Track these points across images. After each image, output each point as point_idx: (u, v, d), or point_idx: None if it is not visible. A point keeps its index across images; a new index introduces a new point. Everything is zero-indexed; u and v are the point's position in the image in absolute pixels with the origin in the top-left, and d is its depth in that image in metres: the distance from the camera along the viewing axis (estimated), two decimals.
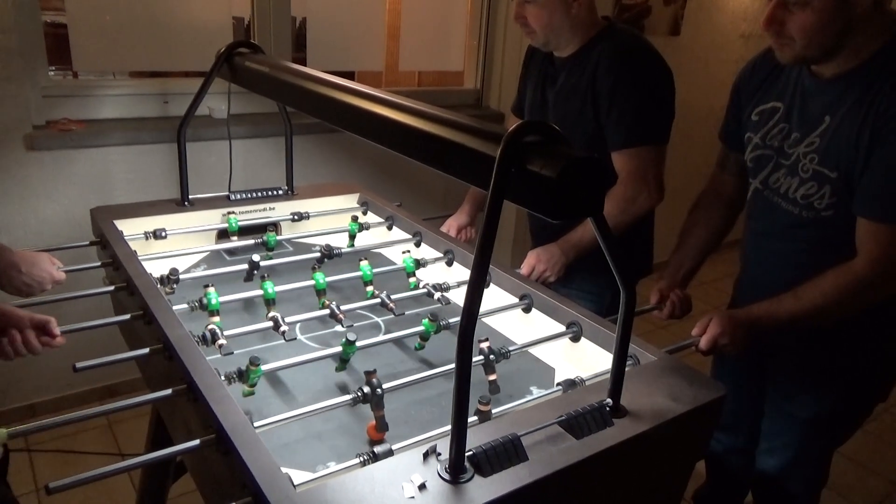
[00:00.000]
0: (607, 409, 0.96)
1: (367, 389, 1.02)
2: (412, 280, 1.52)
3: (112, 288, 1.40)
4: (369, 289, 1.47)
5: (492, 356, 1.16)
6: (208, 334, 1.16)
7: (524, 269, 1.63)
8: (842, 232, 1.29)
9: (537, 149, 0.79)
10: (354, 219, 1.80)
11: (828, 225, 1.32)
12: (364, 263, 1.49)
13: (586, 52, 1.67)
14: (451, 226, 1.95)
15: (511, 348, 1.23)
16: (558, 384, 1.12)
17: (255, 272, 1.48)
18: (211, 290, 1.29)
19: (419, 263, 1.56)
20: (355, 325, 1.40)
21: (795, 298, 1.29)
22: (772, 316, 1.31)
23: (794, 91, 1.38)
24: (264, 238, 1.67)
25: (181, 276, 1.43)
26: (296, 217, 1.81)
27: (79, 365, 1.07)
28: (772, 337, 1.36)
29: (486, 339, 1.19)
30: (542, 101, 1.80)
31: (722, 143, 1.60)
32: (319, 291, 1.40)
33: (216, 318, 1.27)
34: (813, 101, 1.33)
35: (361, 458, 0.90)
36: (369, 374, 1.05)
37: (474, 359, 1.09)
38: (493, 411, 1.03)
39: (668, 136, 1.66)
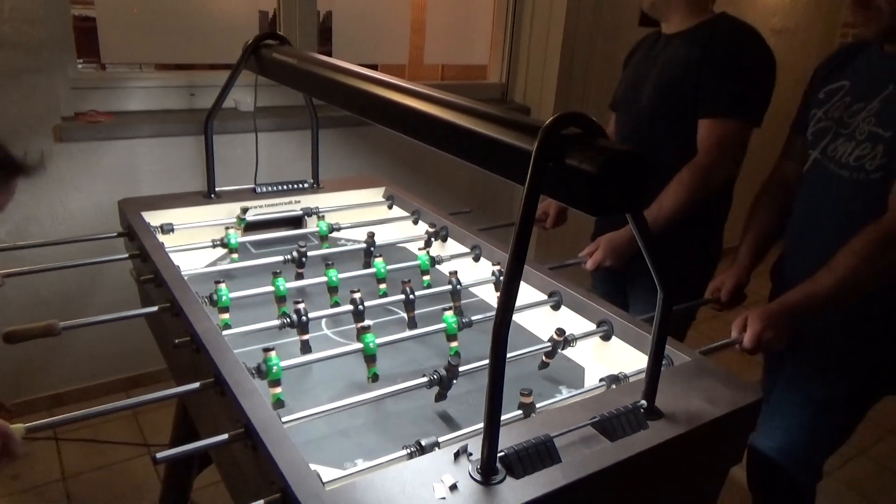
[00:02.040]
0: (642, 410, 0.94)
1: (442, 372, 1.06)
2: (426, 278, 1.51)
3: (140, 279, 1.40)
4: (382, 286, 1.46)
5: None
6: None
7: (589, 265, 1.62)
8: (885, 195, 1.28)
9: (576, 142, 0.76)
10: (321, 217, 1.77)
11: (874, 190, 1.30)
12: (378, 260, 1.48)
13: (699, 30, 1.69)
14: (549, 208, 1.95)
15: (537, 347, 1.21)
16: (601, 380, 1.11)
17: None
18: (222, 286, 1.27)
19: (434, 261, 1.55)
20: (381, 320, 1.39)
21: (829, 270, 1.28)
22: (810, 296, 1.29)
23: (863, 69, 1.40)
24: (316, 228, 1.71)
25: (202, 270, 1.43)
26: (311, 211, 1.80)
27: (178, 341, 1.10)
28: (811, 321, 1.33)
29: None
30: (643, 75, 1.79)
31: (790, 131, 1.61)
32: (332, 288, 1.40)
33: (225, 315, 1.26)
34: (878, 74, 1.35)
35: (409, 451, 0.89)
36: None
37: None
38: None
39: (759, 119, 1.66)
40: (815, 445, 1.54)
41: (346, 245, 1.70)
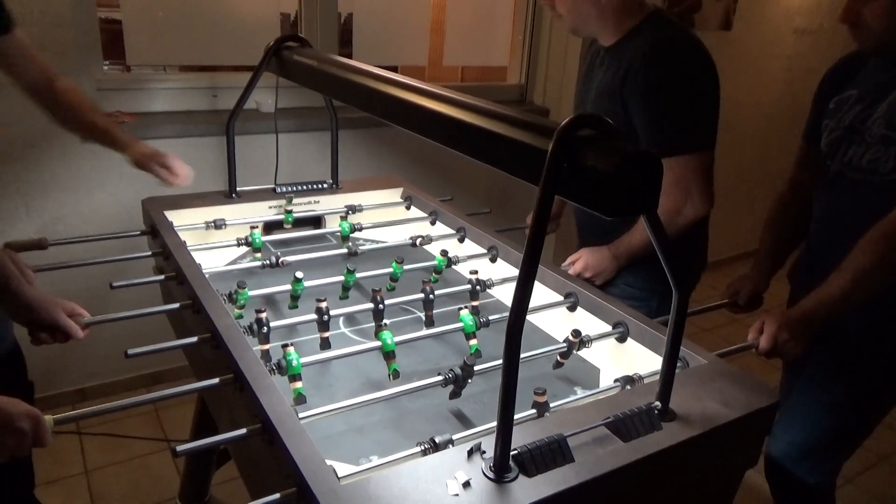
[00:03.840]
0: (656, 412, 0.94)
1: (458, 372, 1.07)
2: (433, 276, 1.53)
3: (162, 277, 1.42)
4: (391, 283, 1.49)
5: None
6: (255, 324, 1.18)
7: (572, 271, 1.60)
8: None
9: (591, 143, 0.77)
10: (344, 217, 1.79)
11: (890, 189, 1.31)
12: (396, 263, 1.50)
13: (623, 45, 1.54)
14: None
15: (552, 348, 1.22)
16: (616, 381, 1.11)
17: None
18: (245, 290, 1.29)
19: (451, 261, 1.56)
20: (397, 319, 1.40)
21: (839, 272, 1.28)
22: (823, 301, 1.29)
23: (869, 76, 1.41)
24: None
25: (223, 268, 1.45)
26: (344, 211, 1.81)
27: (130, 352, 1.09)
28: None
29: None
30: (584, 95, 1.72)
31: (803, 140, 1.60)
32: (346, 287, 1.42)
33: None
34: (883, 80, 1.37)
35: (423, 448, 0.90)
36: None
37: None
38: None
39: (711, 139, 1.51)
40: (833, 445, 1.52)
41: (363, 245, 1.72)
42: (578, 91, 1.79)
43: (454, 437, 0.93)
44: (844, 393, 1.47)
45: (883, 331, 1.42)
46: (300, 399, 1.06)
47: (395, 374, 1.14)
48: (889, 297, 1.32)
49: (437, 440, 0.91)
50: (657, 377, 0.96)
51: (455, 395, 1.10)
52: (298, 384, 1.07)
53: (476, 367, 1.10)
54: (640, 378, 1.10)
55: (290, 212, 1.75)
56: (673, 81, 1.45)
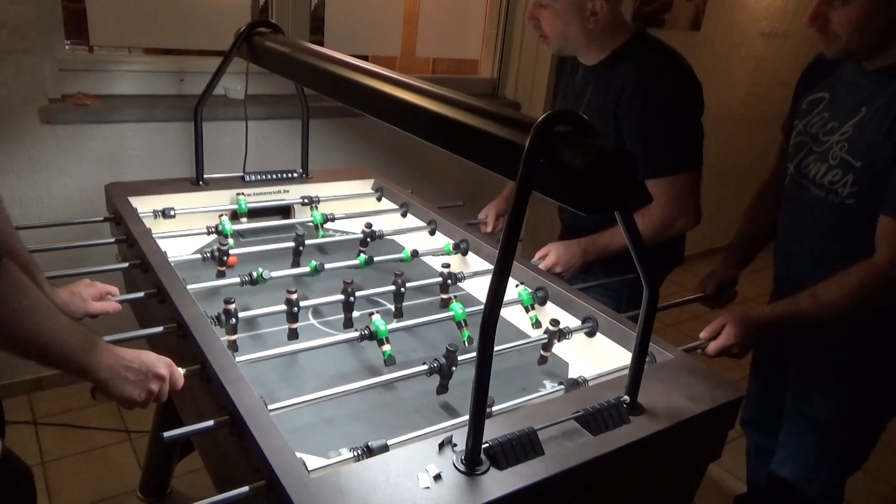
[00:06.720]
0: (624, 406, 0.95)
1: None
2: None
3: (126, 265, 1.39)
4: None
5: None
6: (223, 315, 1.16)
7: (542, 266, 1.61)
8: (860, 222, 1.29)
9: (567, 139, 0.77)
10: (307, 204, 1.78)
11: (848, 213, 1.32)
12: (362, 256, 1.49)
13: (611, 66, 1.58)
14: (489, 213, 1.90)
15: (524, 342, 1.23)
16: (560, 383, 1.10)
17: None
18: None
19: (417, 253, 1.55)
20: (366, 311, 1.39)
21: (810, 296, 1.28)
22: (785, 317, 1.30)
23: (840, 82, 1.40)
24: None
25: (191, 256, 1.43)
26: (307, 201, 1.79)
27: (164, 327, 1.07)
28: (791, 341, 1.34)
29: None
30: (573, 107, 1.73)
31: (781, 133, 1.62)
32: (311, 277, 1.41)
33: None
34: (853, 91, 1.35)
35: (355, 454, 0.87)
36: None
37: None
38: (508, 404, 1.03)
39: (701, 158, 1.61)
40: (830, 471, 1.51)
41: (334, 236, 1.70)
42: (565, 100, 1.79)
43: (426, 430, 0.93)
44: (830, 414, 1.46)
45: (864, 346, 1.42)
46: (391, 360, 1.13)
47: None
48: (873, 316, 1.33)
49: (371, 445, 0.87)
50: (605, 378, 0.97)
51: (442, 388, 1.09)
52: (387, 347, 1.13)
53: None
54: (585, 381, 1.10)
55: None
56: (666, 109, 1.53)
